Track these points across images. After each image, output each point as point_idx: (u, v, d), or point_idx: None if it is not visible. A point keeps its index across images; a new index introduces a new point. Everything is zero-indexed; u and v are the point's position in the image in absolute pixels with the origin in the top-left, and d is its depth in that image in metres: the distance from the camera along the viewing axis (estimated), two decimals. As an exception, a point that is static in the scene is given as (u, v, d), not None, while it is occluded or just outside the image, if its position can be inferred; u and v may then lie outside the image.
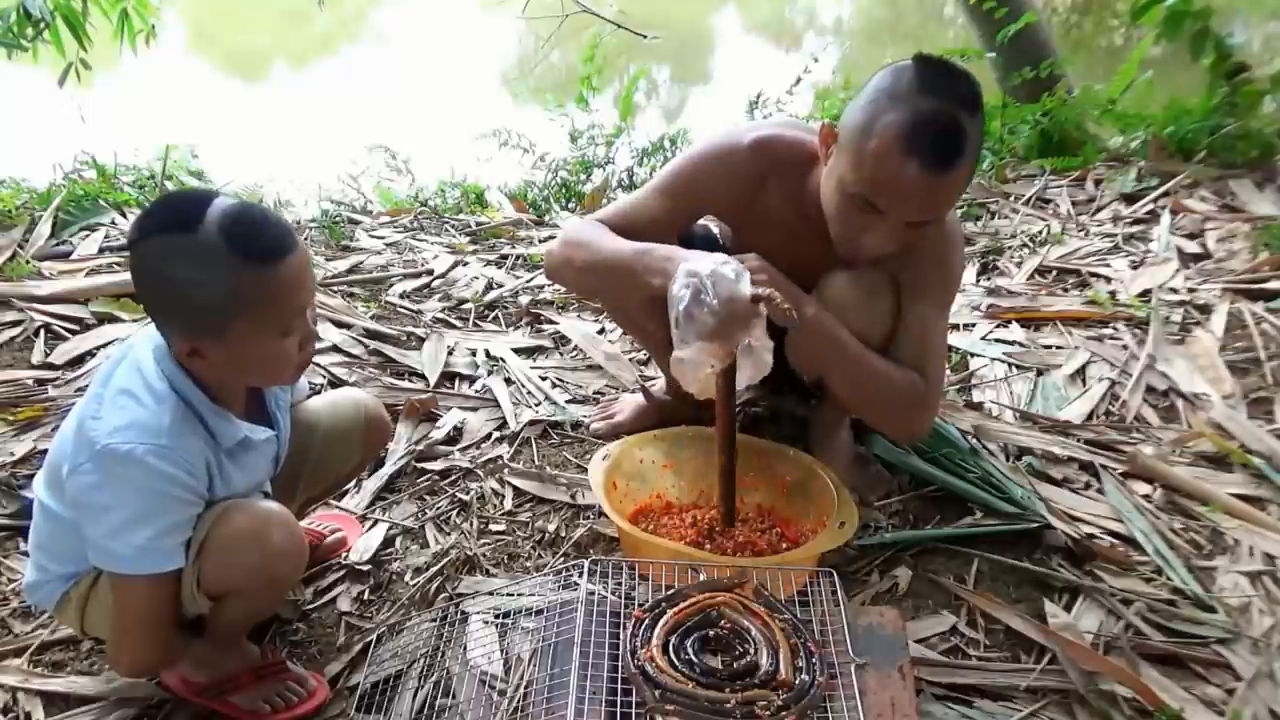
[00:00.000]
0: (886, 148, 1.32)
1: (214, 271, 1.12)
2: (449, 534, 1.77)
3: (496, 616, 1.55)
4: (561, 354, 2.43)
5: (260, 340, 1.19)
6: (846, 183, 1.40)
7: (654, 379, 2.16)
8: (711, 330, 1.30)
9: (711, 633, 1.25)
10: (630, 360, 2.34)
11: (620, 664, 1.21)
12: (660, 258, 1.43)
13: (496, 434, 2.07)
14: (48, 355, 2.30)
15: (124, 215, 3.13)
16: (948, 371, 2.29)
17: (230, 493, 1.29)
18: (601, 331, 2.51)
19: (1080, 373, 2.28)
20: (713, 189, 1.60)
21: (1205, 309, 2.53)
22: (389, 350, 2.41)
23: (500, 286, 2.82)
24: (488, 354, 2.40)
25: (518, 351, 2.42)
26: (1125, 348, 2.36)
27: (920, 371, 1.57)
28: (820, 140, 1.46)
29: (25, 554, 1.67)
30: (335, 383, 2.23)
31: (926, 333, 1.58)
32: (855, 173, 1.38)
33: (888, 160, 1.33)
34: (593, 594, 1.39)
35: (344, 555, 1.71)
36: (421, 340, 2.47)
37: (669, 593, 1.32)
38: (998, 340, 2.44)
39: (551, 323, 2.58)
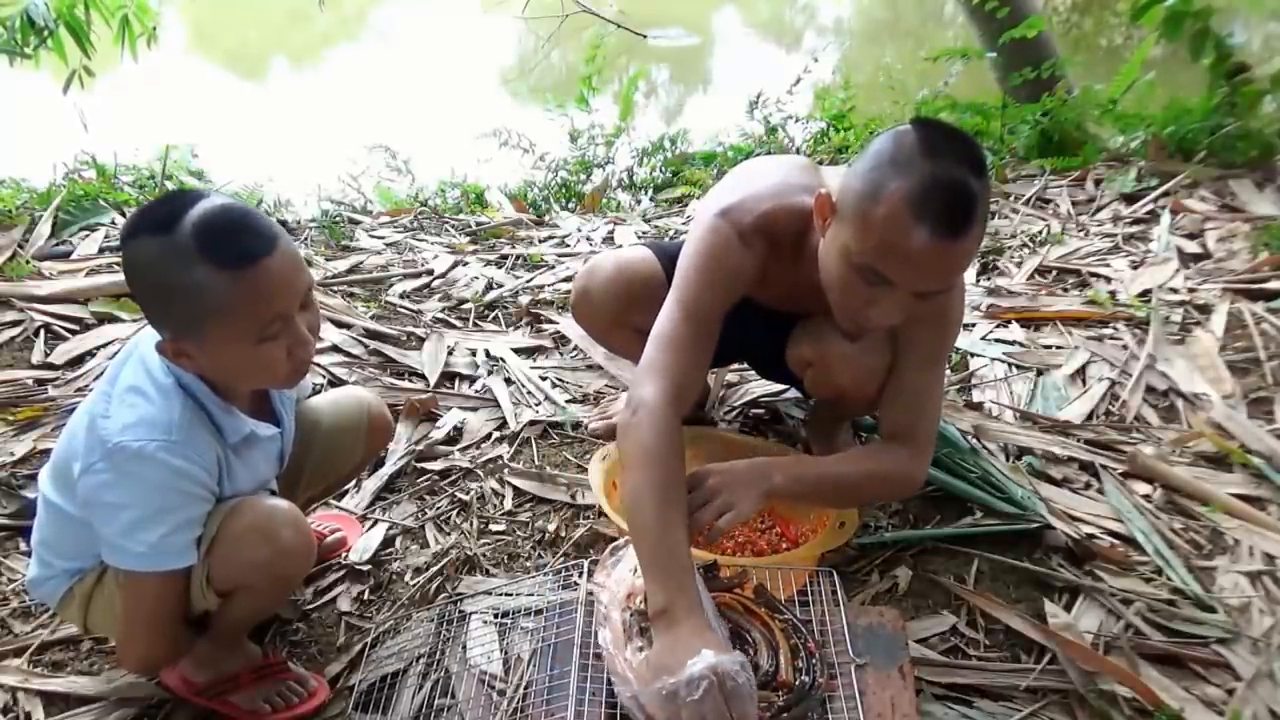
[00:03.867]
0: (895, 214, 1.23)
1: (185, 275, 1.10)
2: (449, 534, 1.77)
3: (496, 616, 1.55)
4: (561, 354, 2.44)
5: (236, 345, 1.17)
6: (851, 253, 1.30)
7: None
8: None
9: (711, 633, 1.25)
10: (630, 361, 2.34)
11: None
12: (659, 588, 1.22)
13: (496, 434, 2.08)
14: (48, 355, 2.30)
15: (124, 215, 3.13)
16: (947, 372, 2.29)
17: (236, 491, 1.30)
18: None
19: (1080, 373, 2.28)
20: (728, 296, 1.51)
21: (1205, 309, 2.53)
22: (389, 350, 2.41)
23: (500, 286, 2.82)
24: (488, 354, 2.40)
25: (518, 351, 2.42)
26: (1125, 348, 2.36)
27: (911, 431, 1.52)
28: (816, 210, 1.39)
29: (26, 554, 1.67)
30: (335, 382, 2.23)
31: (921, 390, 1.54)
32: (861, 242, 1.28)
33: (896, 227, 1.23)
34: (592, 594, 1.39)
35: (344, 555, 1.71)
36: (421, 340, 2.47)
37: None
38: (998, 340, 2.44)
39: (551, 323, 2.58)
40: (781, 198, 1.50)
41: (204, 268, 1.10)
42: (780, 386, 2.14)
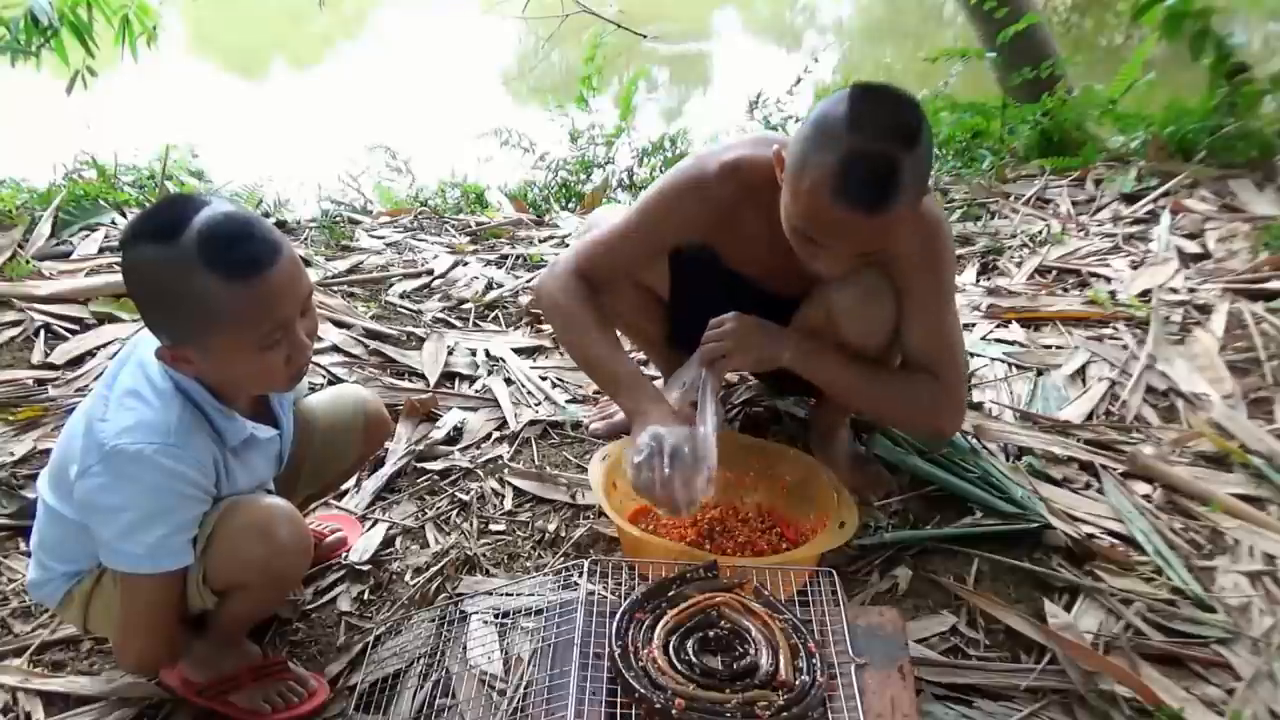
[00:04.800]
0: (816, 188, 1.30)
1: (188, 284, 1.10)
2: (449, 534, 1.77)
3: (496, 616, 1.55)
4: (561, 354, 2.43)
5: (239, 353, 1.17)
6: (789, 215, 1.39)
7: (654, 379, 2.16)
8: (656, 498, 1.44)
9: (711, 633, 1.25)
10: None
11: (608, 663, 1.21)
12: (627, 399, 1.58)
13: (496, 434, 2.07)
14: (48, 355, 2.30)
15: (124, 215, 3.13)
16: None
17: (234, 491, 1.30)
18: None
19: (1080, 373, 2.27)
20: (685, 222, 1.61)
21: (1205, 309, 2.53)
22: (389, 350, 2.41)
23: (500, 286, 2.82)
24: (488, 354, 2.40)
25: (518, 351, 2.42)
26: (1125, 348, 2.36)
27: (935, 372, 1.57)
28: (775, 162, 1.44)
29: (25, 554, 1.67)
30: (335, 383, 2.23)
31: (932, 332, 1.58)
32: (793, 207, 1.37)
33: (818, 200, 1.31)
34: (593, 594, 1.39)
35: (344, 555, 1.71)
36: (421, 340, 2.47)
37: (656, 585, 1.33)
38: (998, 340, 2.44)
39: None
40: (756, 147, 1.57)
41: (208, 277, 1.10)
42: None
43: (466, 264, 3.00)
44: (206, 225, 1.11)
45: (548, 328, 2.55)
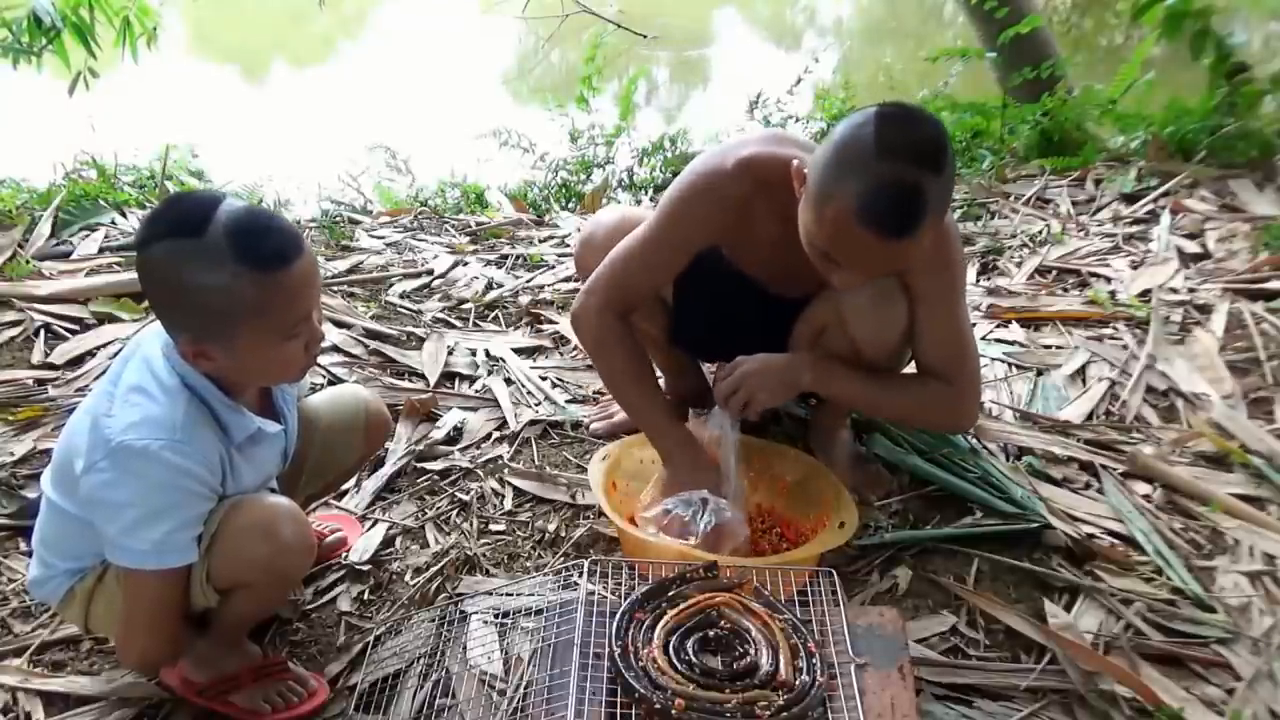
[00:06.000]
0: (842, 217, 1.30)
1: (220, 278, 1.11)
2: (449, 534, 1.77)
3: (496, 616, 1.55)
4: (561, 354, 2.43)
5: (265, 344, 1.19)
6: (809, 234, 1.39)
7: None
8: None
9: (711, 633, 1.25)
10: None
11: (608, 663, 1.21)
12: (660, 442, 1.68)
13: (496, 434, 2.07)
14: (48, 355, 2.30)
15: (124, 215, 3.13)
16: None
17: (240, 489, 1.30)
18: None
19: (1080, 373, 2.27)
20: (705, 225, 1.60)
21: (1205, 309, 2.53)
22: (389, 350, 2.41)
23: (500, 286, 2.82)
24: (488, 354, 2.40)
25: (518, 351, 2.42)
26: (1125, 348, 2.36)
27: (950, 373, 1.59)
28: (794, 176, 1.44)
29: (26, 554, 1.67)
30: (335, 383, 2.23)
31: (945, 335, 1.59)
32: (816, 230, 1.36)
33: (844, 228, 1.31)
34: (593, 594, 1.39)
35: (344, 555, 1.71)
36: (421, 340, 2.47)
37: (656, 585, 1.32)
38: (998, 340, 2.44)
39: (551, 323, 2.58)
40: (769, 144, 1.58)
41: (242, 270, 1.11)
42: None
43: (466, 264, 3.00)
44: (233, 219, 1.12)
45: (548, 329, 2.56)
